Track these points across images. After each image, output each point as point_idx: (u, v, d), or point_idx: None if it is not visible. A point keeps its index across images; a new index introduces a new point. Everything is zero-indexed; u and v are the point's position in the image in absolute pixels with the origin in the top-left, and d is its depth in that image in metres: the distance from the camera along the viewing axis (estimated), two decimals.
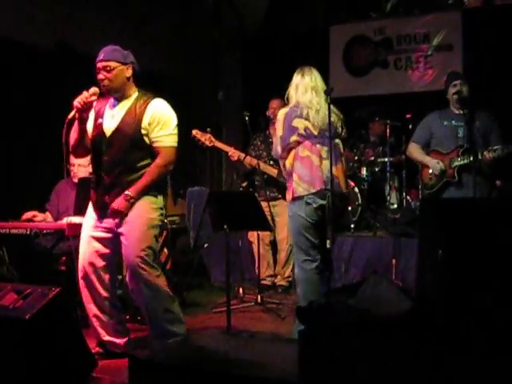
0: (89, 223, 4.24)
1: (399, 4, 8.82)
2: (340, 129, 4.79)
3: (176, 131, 4.16)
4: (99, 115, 4.19)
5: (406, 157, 7.45)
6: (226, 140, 8.15)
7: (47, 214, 5.54)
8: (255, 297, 6.10)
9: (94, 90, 4.03)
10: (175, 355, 3.25)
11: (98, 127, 4.15)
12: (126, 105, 4.14)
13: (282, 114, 4.83)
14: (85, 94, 3.99)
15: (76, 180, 5.50)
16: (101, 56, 4.07)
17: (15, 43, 6.27)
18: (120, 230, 4.10)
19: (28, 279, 4.65)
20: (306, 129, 4.66)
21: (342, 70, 9.13)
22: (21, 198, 6.00)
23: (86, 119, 4.14)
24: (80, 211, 4.98)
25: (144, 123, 4.05)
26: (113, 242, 4.18)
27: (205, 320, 5.48)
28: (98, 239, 4.18)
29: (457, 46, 8.33)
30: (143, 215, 4.08)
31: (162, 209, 4.21)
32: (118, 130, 4.08)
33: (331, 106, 4.57)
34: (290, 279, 6.91)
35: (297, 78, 4.92)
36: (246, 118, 6.30)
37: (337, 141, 4.73)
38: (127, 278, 4.16)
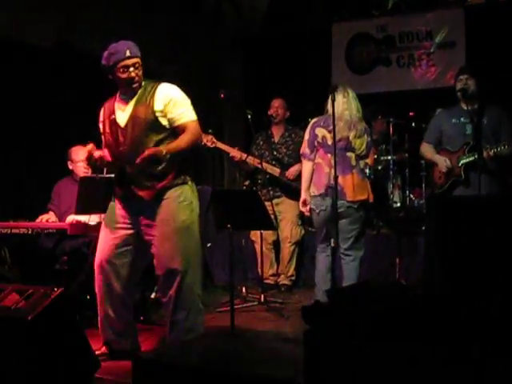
0: (111, 218, 4.17)
1: (401, 1, 8.78)
2: (358, 145, 5.18)
3: (192, 106, 4.13)
4: (111, 112, 4.16)
5: (408, 155, 7.45)
6: (228, 139, 8.15)
7: (51, 213, 5.52)
8: (258, 296, 6.08)
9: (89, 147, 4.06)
10: (179, 355, 3.22)
11: (112, 121, 4.12)
12: (134, 95, 4.10)
13: (312, 120, 5.43)
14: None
15: (77, 178, 5.48)
16: (127, 53, 3.98)
17: (15, 42, 6.25)
18: (149, 233, 4.04)
19: (30, 279, 4.63)
20: (323, 137, 5.24)
21: (344, 68, 9.11)
22: (21, 198, 5.99)
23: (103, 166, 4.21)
24: (82, 210, 4.96)
25: (157, 106, 4.00)
26: (136, 239, 4.10)
27: (208, 320, 5.42)
28: (120, 235, 4.11)
29: (460, 43, 8.30)
30: (173, 218, 4.01)
31: (191, 203, 4.12)
32: (131, 119, 4.04)
33: (365, 126, 5.31)
34: (293, 278, 6.91)
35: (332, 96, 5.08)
36: (249, 117, 6.28)
37: (348, 154, 5.17)
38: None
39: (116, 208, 4.17)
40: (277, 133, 6.96)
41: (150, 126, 3.99)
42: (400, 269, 6.30)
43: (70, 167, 5.66)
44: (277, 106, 6.91)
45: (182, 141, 3.98)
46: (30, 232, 4.97)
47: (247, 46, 9.88)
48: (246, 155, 6.48)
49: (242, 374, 2.85)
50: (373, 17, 9.02)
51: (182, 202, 4.05)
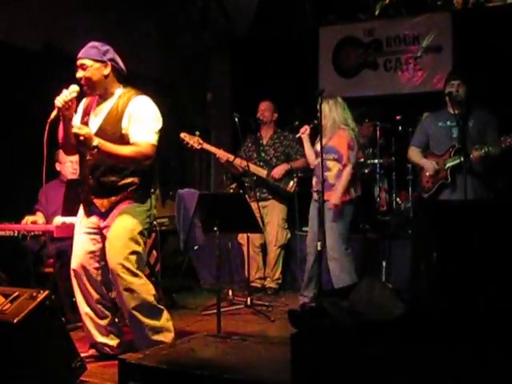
0: (80, 223, 4.21)
1: (389, 6, 8.81)
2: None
3: (157, 129, 4.01)
4: (86, 113, 4.15)
5: (395, 159, 7.48)
6: (215, 141, 8.14)
7: (39, 214, 5.49)
8: (245, 299, 6.08)
9: (73, 87, 3.92)
10: (165, 359, 3.21)
11: (84, 125, 4.07)
12: (109, 103, 4.08)
13: None
14: (65, 92, 3.89)
15: (65, 180, 5.46)
16: (80, 52, 4.02)
17: (2, 44, 6.22)
18: (104, 232, 4.08)
19: (16, 282, 4.60)
20: (315, 146, 5.94)
21: (331, 72, 9.11)
22: (6, 200, 5.95)
23: (70, 117, 4.01)
24: (68, 212, 4.94)
25: (124, 123, 3.97)
26: (103, 242, 4.12)
27: (194, 322, 5.45)
28: (89, 240, 4.15)
29: (447, 47, 8.32)
30: (127, 219, 4.02)
31: (149, 210, 4.14)
32: (100, 130, 4.02)
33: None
34: (280, 281, 6.91)
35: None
36: (236, 120, 6.28)
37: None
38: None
39: (82, 213, 4.21)
40: (265, 135, 6.97)
41: (116, 142, 3.94)
42: (387, 272, 6.32)
43: (58, 168, 5.64)
44: (263, 109, 6.92)
45: (124, 149, 3.90)
46: (15, 234, 4.95)
47: (235, 49, 9.88)
48: (233, 157, 6.48)
49: (229, 377, 2.84)
50: (360, 21, 9.03)
51: (137, 209, 4.07)
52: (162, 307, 4.17)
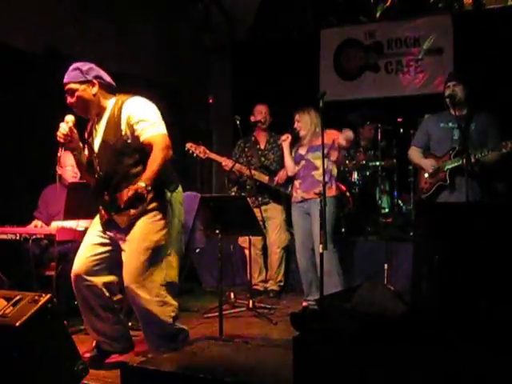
0: (93, 230, 4.13)
1: (389, 8, 8.82)
2: None
3: (160, 119, 3.96)
4: (89, 134, 4.12)
5: (396, 161, 7.48)
6: (216, 144, 8.18)
7: (36, 221, 5.49)
8: (247, 302, 6.07)
9: (68, 118, 3.93)
10: (167, 362, 3.21)
11: (88, 145, 4.08)
12: (106, 115, 4.02)
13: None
14: (62, 125, 3.90)
15: (66, 183, 5.46)
16: (64, 78, 3.99)
17: (2, 47, 6.23)
18: (122, 247, 3.98)
19: (17, 286, 4.60)
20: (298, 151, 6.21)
21: (332, 74, 9.13)
22: (9, 204, 5.96)
23: (76, 147, 4.03)
24: (70, 215, 4.94)
25: (123, 124, 3.90)
26: (112, 251, 4.06)
27: (196, 325, 5.44)
28: (99, 245, 4.07)
29: (447, 49, 8.33)
30: (144, 237, 3.92)
31: (171, 217, 4.00)
32: (103, 142, 3.98)
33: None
34: (282, 284, 6.90)
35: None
36: (238, 122, 6.28)
37: None
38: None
39: (98, 220, 4.14)
40: (262, 139, 6.95)
41: (120, 150, 3.91)
42: (388, 275, 6.31)
43: (59, 172, 5.63)
44: (265, 112, 6.90)
45: (154, 162, 3.80)
46: (17, 238, 4.94)
47: (236, 51, 9.89)
48: (233, 163, 6.48)
49: (230, 380, 2.84)
50: (361, 23, 9.05)
51: (157, 222, 3.95)
52: (180, 327, 4.09)
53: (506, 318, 2.43)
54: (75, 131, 3.99)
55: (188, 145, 6.44)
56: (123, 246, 3.98)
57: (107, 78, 4.07)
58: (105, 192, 4.01)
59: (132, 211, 3.90)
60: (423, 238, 3.04)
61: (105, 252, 4.08)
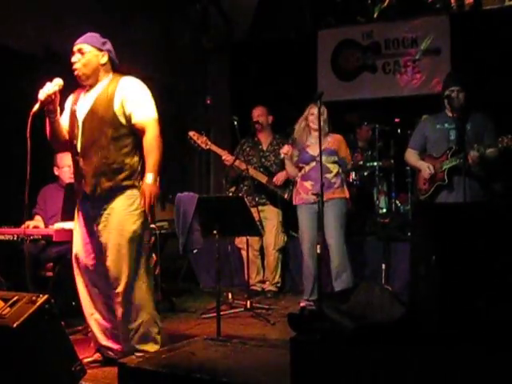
0: (79, 224, 4.14)
1: (387, 8, 8.82)
2: None
3: (153, 104, 4.02)
4: (74, 103, 4.12)
5: (394, 161, 7.48)
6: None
7: (37, 218, 5.49)
8: (244, 302, 6.07)
9: (57, 81, 3.92)
10: (165, 362, 3.21)
11: (72, 114, 4.08)
12: (99, 87, 4.06)
13: None
14: (48, 85, 3.88)
15: (63, 184, 5.46)
16: (77, 40, 4.02)
17: (2, 49, 6.22)
18: (103, 240, 3.99)
19: (15, 286, 4.59)
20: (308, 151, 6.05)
21: (330, 75, 9.12)
22: (6, 204, 5.94)
23: (55, 111, 4.00)
24: (68, 216, 4.93)
25: (116, 105, 3.94)
26: (97, 242, 4.05)
27: (194, 326, 5.45)
28: (90, 240, 4.08)
29: (445, 50, 8.33)
30: (124, 229, 3.95)
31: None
32: (90, 112, 3.99)
33: None
34: (279, 285, 6.91)
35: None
36: (235, 123, 6.28)
37: None
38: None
39: (78, 215, 4.16)
40: (265, 140, 6.96)
41: (107, 123, 3.94)
42: (386, 275, 6.31)
43: (56, 173, 5.64)
44: (258, 115, 6.92)
45: (152, 152, 3.91)
46: (15, 238, 4.94)
47: (234, 52, 9.89)
48: (234, 158, 6.48)
49: (227, 380, 2.84)
50: (359, 23, 9.04)
51: (133, 212, 3.99)
52: (156, 337, 4.11)
53: (503, 318, 2.44)
54: (58, 96, 3.97)
55: (191, 133, 6.43)
56: (103, 238, 3.98)
57: (115, 58, 4.14)
58: (81, 160, 4.00)
59: (105, 183, 3.95)
60: (421, 238, 3.04)
61: (96, 241, 4.06)
